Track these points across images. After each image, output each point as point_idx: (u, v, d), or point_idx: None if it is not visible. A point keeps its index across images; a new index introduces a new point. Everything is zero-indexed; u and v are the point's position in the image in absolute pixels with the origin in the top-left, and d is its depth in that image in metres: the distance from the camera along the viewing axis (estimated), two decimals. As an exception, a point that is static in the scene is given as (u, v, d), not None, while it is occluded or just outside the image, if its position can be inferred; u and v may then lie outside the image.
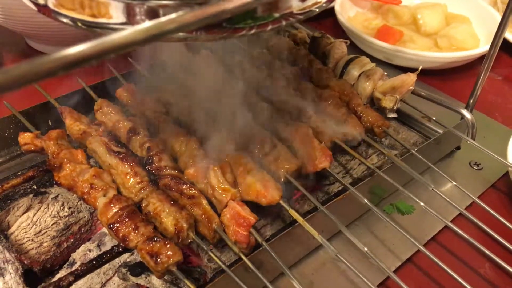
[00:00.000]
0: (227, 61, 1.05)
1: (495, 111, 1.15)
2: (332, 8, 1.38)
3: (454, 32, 1.29)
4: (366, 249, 0.70)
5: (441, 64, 1.21)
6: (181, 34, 0.52)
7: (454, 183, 0.84)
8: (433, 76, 1.24)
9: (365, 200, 0.77)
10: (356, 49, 1.30)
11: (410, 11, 1.38)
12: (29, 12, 1.04)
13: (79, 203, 0.85)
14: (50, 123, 0.96)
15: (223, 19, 0.50)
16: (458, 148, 1.03)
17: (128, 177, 0.76)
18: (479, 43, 1.30)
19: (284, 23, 0.61)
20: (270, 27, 0.60)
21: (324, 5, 0.66)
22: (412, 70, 0.99)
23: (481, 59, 1.29)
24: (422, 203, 0.78)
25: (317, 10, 0.66)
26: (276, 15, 0.59)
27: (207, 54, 1.05)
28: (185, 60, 1.02)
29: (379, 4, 1.44)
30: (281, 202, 0.75)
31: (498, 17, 1.29)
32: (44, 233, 0.82)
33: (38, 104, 0.94)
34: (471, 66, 1.28)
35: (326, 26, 1.47)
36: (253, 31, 0.58)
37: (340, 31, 1.37)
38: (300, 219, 0.73)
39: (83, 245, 0.82)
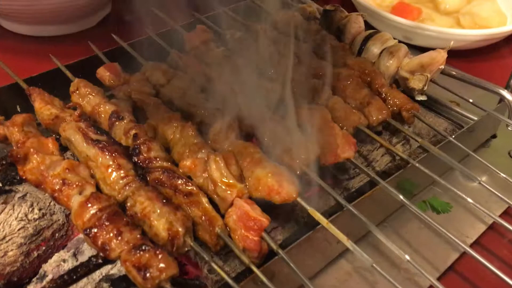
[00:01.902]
0: (227, 37, 0.91)
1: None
2: (341, -16, 1.25)
3: (478, 10, 1.16)
4: (407, 257, 0.56)
5: (467, 43, 1.07)
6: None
7: (503, 174, 0.70)
8: (456, 58, 1.10)
9: (401, 197, 0.64)
10: (369, 28, 1.16)
11: (427, -13, 1.25)
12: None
13: (52, 204, 0.71)
14: (18, 109, 0.82)
15: None
16: (494, 136, 0.90)
17: (109, 170, 0.62)
18: (506, 20, 1.17)
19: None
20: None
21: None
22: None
23: (506, 39, 1.17)
24: (470, 200, 0.64)
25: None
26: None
27: (202, 29, 0.91)
28: (177, 36, 0.88)
29: (392, -20, 1.30)
30: (298, 199, 0.61)
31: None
32: (9, 239, 0.68)
33: (4, 86, 0.79)
34: (495, 47, 1.15)
35: (334, 3, 1.33)
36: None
37: (350, 9, 1.23)
38: (323, 221, 0.59)
39: (56, 254, 0.69)
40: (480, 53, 1.14)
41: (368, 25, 1.17)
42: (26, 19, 1.08)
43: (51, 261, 0.68)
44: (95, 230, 0.56)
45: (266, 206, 0.63)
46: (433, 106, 0.94)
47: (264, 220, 0.58)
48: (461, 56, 1.12)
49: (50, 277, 0.65)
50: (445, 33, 1.04)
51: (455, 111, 0.92)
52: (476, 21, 1.15)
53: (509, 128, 0.79)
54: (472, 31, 1.06)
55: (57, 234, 0.72)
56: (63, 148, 0.71)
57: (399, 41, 1.06)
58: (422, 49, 1.08)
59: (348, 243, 0.57)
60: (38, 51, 1.04)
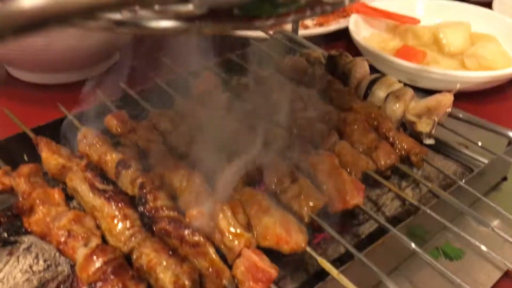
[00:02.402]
0: (233, 83, 0.91)
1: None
2: (345, 29, 1.27)
3: (483, 51, 1.16)
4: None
5: (472, 85, 1.07)
6: (180, 24, 0.38)
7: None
8: (462, 99, 1.10)
9: (413, 245, 0.62)
10: (373, 71, 1.17)
11: (431, 30, 1.26)
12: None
13: (57, 255, 0.70)
14: (26, 158, 0.82)
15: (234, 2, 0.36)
16: (505, 178, 0.89)
17: (115, 221, 0.61)
18: (511, 62, 1.17)
19: (308, 13, 0.48)
20: (291, 17, 0.46)
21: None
22: (439, 92, 0.86)
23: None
24: (483, 247, 0.63)
25: (347, 2, 0.52)
26: (302, 1, 0.45)
27: (209, 76, 0.92)
28: (184, 83, 0.89)
29: (395, 24, 1.32)
30: (307, 249, 0.60)
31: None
32: (13, 292, 0.66)
33: (12, 135, 0.80)
34: (501, 88, 1.15)
35: (338, 48, 1.34)
36: (271, 22, 0.45)
37: (354, 53, 1.25)
38: (334, 272, 0.58)
39: None
40: (486, 95, 1.14)
41: (373, 69, 1.17)
42: (34, 67, 1.10)
43: (56, 315, 0.66)
44: (100, 284, 0.54)
45: (275, 254, 0.62)
46: (442, 149, 0.93)
47: (273, 271, 0.56)
48: (467, 97, 1.11)
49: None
50: (450, 75, 1.04)
51: (464, 154, 0.91)
52: (481, 62, 1.15)
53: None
54: (477, 73, 1.06)
55: (62, 286, 0.70)
56: (70, 197, 0.70)
57: (405, 84, 1.07)
58: (428, 92, 1.08)
59: (360, 296, 0.55)
60: (45, 99, 1.05)
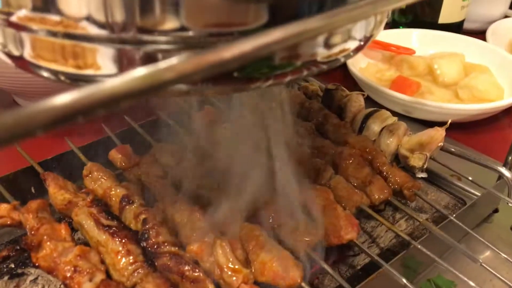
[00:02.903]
0: (233, 117, 0.95)
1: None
2: (342, 60, 1.30)
3: (476, 83, 1.20)
4: None
5: (465, 116, 1.11)
6: (183, 86, 0.42)
7: (504, 255, 0.71)
8: (455, 130, 1.14)
9: (404, 280, 0.65)
10: (370, 102, 1.20)
11: (426, 61, 1.30)
12: (15, 69, 0.95)
13: (61, 286, 0.73)
14: (33, 190, 0.85)
15: (233, 67, 0.39)
16: (496, 211, 0.91)
17: (119, 256, 0.64)
18: (503, 93, 1.20)
19: (305, 73, 0.51)
20: (289, 77, 0.50)
21: (351, 54, 0.56)
22: (433, 123, 0.90)
23: (505, 110, 1.21)
24: (471, 283, 0.65)
25: (342, 59, 0.56)
26: (298, 63, 0.49)
27: (210, 111, 0.95)
28: (186, 118, 0.92)
29: (391, 54, 1.36)
30: (303, 284, 0.63)
31: (521, 66, 1.21)
32: (20, 325, 0.69)
33: (19, 170, 0.83)
34: (495, 119, 1.19)
35: (336, 79, 1.38)
36: (269, 82, 0.48)
37: (351, 83, 1.29)
38: (328, 308, 0.60)
39: None
40: (480, 125, 1.17)
41: (369, 99, 1.21)
42: (40, 99, 1.14)
43: None
44: (105, 319, 0.57)
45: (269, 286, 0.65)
46: (435, 181, 0.96)
47: (269, 307, 0.59)
48: (461, 128, 1.15)
49: None
50: (443, 108, 1.08)
51: (457, 186, 0.94)
52: (474, 93, 1.18)
53: (509, 205, 0.81)
54: (469, 105, 1.10)
55: (67, 318, 0.73)
56: (74, 231, 0.73)
57: (400, 115, 1.10)
58: (422, 122, 1.12)
59: (353, 331, 0.58)
60: (52, 131, 1.08)
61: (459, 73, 1.26)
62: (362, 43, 0.56)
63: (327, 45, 0.51)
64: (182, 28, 0.40)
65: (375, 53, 1.38)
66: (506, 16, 1.69)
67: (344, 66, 1.29)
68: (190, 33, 0.40)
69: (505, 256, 0.71)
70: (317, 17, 0.36)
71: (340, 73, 1.38)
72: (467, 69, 1.29)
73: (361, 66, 1.32)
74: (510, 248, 0.84)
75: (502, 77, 1.26)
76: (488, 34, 1.50)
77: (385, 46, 1.36)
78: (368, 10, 0.39)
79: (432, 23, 1.51)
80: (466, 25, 1.61)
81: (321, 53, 0.50)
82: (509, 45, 1.46)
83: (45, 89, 1.08)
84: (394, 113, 1.12)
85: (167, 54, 0.40)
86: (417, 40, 1.42)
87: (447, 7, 1.51)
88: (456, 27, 1.53)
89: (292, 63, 0.49)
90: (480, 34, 1.55)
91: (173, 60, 0.28)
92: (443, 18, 1.50)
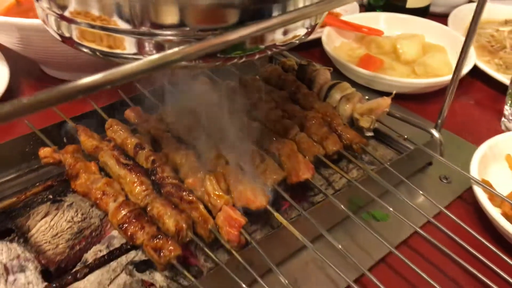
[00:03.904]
0: (223, 86, 1.17)
1: (465, 131, 1.27)
2: (320, 39, 1.52)
3: (431, 61, 1.41)
4: (340, 246, 0.81)
5: (415, 89, 1.33)
6: (182, 62, 0.64)
7: (422, 193, 0.95)
8: (410, 100, 1.37)
9: (342, 206, 0.88)
10: (341, 75, 1.43)
11: (391, 41, 1.51)
12: (48, 42, 1.17)
13: (90, 210, 0.96)
14: (64, 140, 1.08)
15: (217, 50, 0.62)
16: (430, 163, 1.15)
17: (135, 185, 0.87)
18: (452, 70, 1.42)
19: (269, 53, 0.74)
20: (257, 56, 0.72)
21: (303, 37, 0.78)
22: (390, 94, 1.12)
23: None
24: (391, 209, 0.89)
25: (297, 41, 0.78)
26: (262, 46, 0.71)
27: (205, 80, 1.18)
28: (185, 85, 1.15)
29: (362, 35, 1.58)
30: (268, 207, 0.87)
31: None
32: (60, 236, 0.92)
33: (55, 123, 1.06)
34: (443, 91, 1.40)
35: (314, 55, 1.60)
36: (242, 60, 0.71)
37: (327, 59, 1.50)
38: (284, 222, 0.84)
39: (94, 247, 0.92)
40: (428, 97, 1.39)
41: (340, 74, 1.44)
42: (66, 69, 1.36)
43: (90, 251, 0.91)
44: (126, 225, 0.80)
45: (251, 216, 0.87)
46: (385, 140, 1.19)
47: (242, 219, 0.82)
48: (413, 98, 1.38)
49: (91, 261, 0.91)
50: (397, 81, 1.30)
51: (401, 144, 1.17)
52: (428, 70, 1.40)
53: (437, 158, 1.03)
54: (419, 80, 1.32)
55: (93, 233, 0.96)
56: (100, 169, 0.97)
57: (364, 86, 1.32)
58: (382, 93, 1.34)
59: (300, 236, 0.82)
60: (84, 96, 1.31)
61: (418, 52, 1.48)
62: (310, 29, 0.78)
63: (283, 33, 0.73)
64: (182, 25, 0.63)
65: (349, 33, 1.59)
66: (470, 1, 1.88)
67: (322, 45, 1.51)
68: (187, 28, 0.63)
69: (422, 193, 0.95)
70: (276, 18, 0.58)
71: (318, 51, 1.60)
72: (425, 48, 1.51)
73: (335, 45, 1.54)
74: (436, 193, 1.08)
75: (455, 57, 1.47)
76: (450, 18, 1.71)
77: (357, 28, 1.57)
78: (311, 11, 0.61)
79: (401, 7, 1.73)
80: (433, 9, 1.82)
81: (279, 39, 0.73)
82: (466, 29, 1.66)
83: (65, 60, 1.30)
84: (359, 85, 1.35)
85: (171, 43, 0.63)
86: (385, 22, 1.63)
87: (414, -7, 1.72)
88: (422, 11, 1.75)
89: (258, 47, 0.71)
90: (444, 17, 1.75)
91: (176, 48, 0.51)
92: (410, 3, 1.71)
